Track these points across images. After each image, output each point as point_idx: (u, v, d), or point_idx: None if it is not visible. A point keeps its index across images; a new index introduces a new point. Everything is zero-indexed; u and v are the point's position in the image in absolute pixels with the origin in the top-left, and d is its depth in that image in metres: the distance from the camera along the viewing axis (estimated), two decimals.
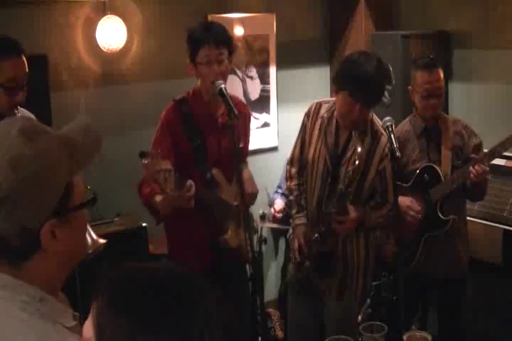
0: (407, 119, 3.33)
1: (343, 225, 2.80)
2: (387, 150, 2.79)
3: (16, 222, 1.11)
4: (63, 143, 1.18)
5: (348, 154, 2.82)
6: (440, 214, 3.12)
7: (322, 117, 2.90)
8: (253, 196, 2.94)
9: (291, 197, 3.07)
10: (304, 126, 2.99)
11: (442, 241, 3.16)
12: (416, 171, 3.16)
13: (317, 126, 2.92)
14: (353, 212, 2.79)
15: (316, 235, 2.87)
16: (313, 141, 2.93)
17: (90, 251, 2.35)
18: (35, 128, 1.18)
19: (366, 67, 2.64)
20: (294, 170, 3.05)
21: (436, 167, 3.13)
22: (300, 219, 2.97)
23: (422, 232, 3.17)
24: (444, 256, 3.20)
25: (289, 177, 3.08)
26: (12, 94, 2.42)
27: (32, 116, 2.65)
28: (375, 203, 2.91)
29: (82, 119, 1.27)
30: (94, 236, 2.41)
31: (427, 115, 3.19)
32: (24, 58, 2.45)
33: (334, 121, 2.87)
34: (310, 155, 2.93)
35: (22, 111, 2.56)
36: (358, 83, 2.63)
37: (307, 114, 2.98)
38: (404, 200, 3.14)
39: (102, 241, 2.43)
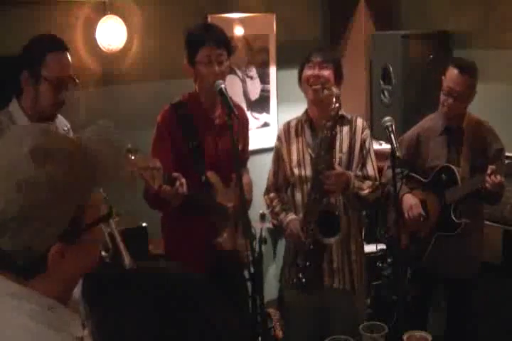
0: (432, 116, 3.31)
1: (331, 179, 2.83)
2: (365, 131, 3.02)
3: (20, 244, 1.08)
4: (80, 161, 1.13)
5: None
6: (453, 217, 3.11)
7: (295, 125, 3.06)
8: (248, 203, 2.94)
9: (276, 209, 3.09)
10: (276, 151, 3.11)
11: (454, 241, 3.16)
12: (434, 168, 3.18)
13: (293, 137, 3.05)
14: (338, 168, 2.88)
15: (312, 195, 2.92)
16: (294, 152, 3.03)
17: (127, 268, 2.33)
18: (49, 147, 1.11)
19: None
20: (271, 195, 3.13)
21: (454, 168, 3.11)
22: (291, 215, 3.02)
23: (434, 231, 3.18)
24: (455, 256, 3.19)
25: (269, 202, 3.13)
26: (58, 91, 2.43)
27: (67, 124, 2.65)
28: (358, 179, 3.00)
29: (104, 127, 1.24)
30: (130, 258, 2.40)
31: (443, 111, 3.17)
32: (69, 56, 2.48)
33: (307, 122, 3.04)
34: (294, 163, 3.01)
35: (60, 119, 2.57)
36: (307, 54, 3.00)
37: (278, 137, 3.11)
38: (409, 200, 3.17)
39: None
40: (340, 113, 2.94)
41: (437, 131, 3.21)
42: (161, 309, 0.93)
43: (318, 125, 2.97)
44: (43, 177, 1.07)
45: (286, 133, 3.08)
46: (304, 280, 2.96)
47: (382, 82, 4.35)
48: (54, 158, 1.10)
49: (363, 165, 3.02)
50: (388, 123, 2.75)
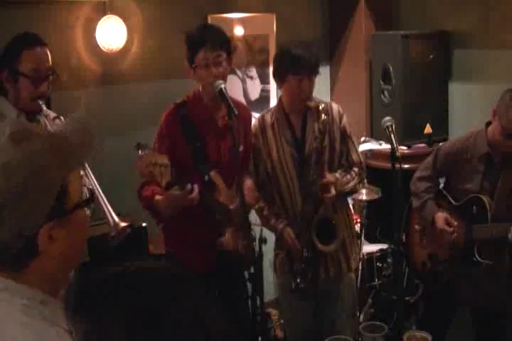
0: (471, 134, 3.06)
1: (327, 192, 2.88)
2: (343, 118, 3.04)
3: (10, 229, 1.10)
4: (54, 144, 1.17)
5: (308, 134, 2.98)
6: (476, 255, 2.97)
7: (271, 122, 3.04)
8: (249, 208, 2.94)
9: (265, 213, 3.08)
10: (254, 148, 3.07)
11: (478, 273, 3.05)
12: (464, 191, 3.03)
13: (270, 134, 3.04)
14: (329, 176, 2.91)
15: (305, 206, 2.95)
16: (274, 147, 3.03)
17: (113, 234, 2.42)
18: (25, 131, 1.17)
19: (291, 48, 2.93)
20: (256, 194, 3.07)
21: (486, 202, 2.94)
22: (282, 223, 3.03)
23: (453, 258, 3.10)
24: (479, 288, 3.08)
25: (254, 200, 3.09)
26: (36, 84, 2.49)
27: (61, 117, 2.70)
28: (343, 168, 3.06)
29: (76, 117, 1.26)
30: (116, 219, 2.45)
31: (496, 147, 2.95)
32: (47, 51, 2.57)
33: (283, 118, 3.03)
34: (275, 161, 3.02)
35: (48, 112, 2.64)
36: (292, 58, 2.88)
37: (255, 134, 3.07)
38: (441, 216, 3.07)
39: (123, 224, 2.46)
40: (314, 104, 2.98)
41: (476, 155, 3.00)
42: (148, 311, 0.92)
43: (294, 119, 3.01)
44: (21, 155, 1.12)
45: (263, 130, 3.06)
46: (302, 285, 2.97)
47: (382, 82, 4.35)
48: (30, 138, 1.15)
49: (348, 153, 3.07)
50: (388, 123, 2.75)
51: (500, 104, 2.92)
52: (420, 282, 3.76)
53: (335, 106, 3.07)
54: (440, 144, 3.36)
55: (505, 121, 2.85)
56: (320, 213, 2.94)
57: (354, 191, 3.20)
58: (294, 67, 2.89)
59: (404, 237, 3.28)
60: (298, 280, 2.96)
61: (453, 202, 3.12)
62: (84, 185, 2.44)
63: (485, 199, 2.96)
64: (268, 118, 3.07)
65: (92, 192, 2.34)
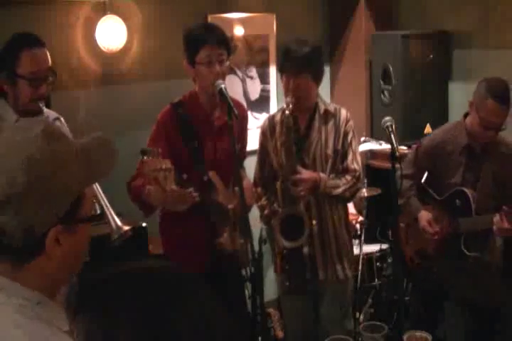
0: (451, 127, 3.10)
1: (299, 187, 2.87)
2: (349, 123, 3.00)
3: (22, 222, 1.11)
4: (81, 153, 1.19)
5: (312, 136, 2.98)
6: (463, 248, 2.99)
7: (281, 122, 3.00)
8: (249, 207, 2.95)
9: (266, 212, 3.09)
10: (261, 146, 3.11)
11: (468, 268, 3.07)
12: (449, 186, 3.05)
13: (279, 130, 3.01)
14: (304, 172, 2.90)
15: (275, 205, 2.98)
16: (282, 149, 3.00)
17: (116, 237, 2.43)
18: (58, 132, 1.18)
19: (286, 45, 2.97)
20: (259, 189, 3.13)
21: (469, 195, 2.96)
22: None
23: (441, 252, 3.12)
24: (471, 282, 3.10)
25: (257, 197, 3.12)
26: (35, 86, 2.45)
27: (61, 118, 2.68)
28: (336, 173, 3.02)
29: (101, 135, 1.28)
30: (119, 223, 2.45)
31: (475, 138, 3.00)
32: (46, 51, 2.52)
33: (290, 117, 2.97)
34: (282, 157, 3.00)
35: (49, 113, 2.60)
36: (282, 55, 2.97)
37: (262, 132, 3.10)
38: (424, 216, 3.10)
39: (126, 227, 2.46)
40: (324, 108, 2.99)
41: (456, 148, 3.03)
42: (151, 311, 0.92)
43: (300, 119, 3.00)
44: (48, 153, 1.13)
45: (272, 128, 3.06)
46: (293, 285, 2.98)
47: (382, 82, 4.35)
48: (60, 139, 1.17)
49: (344, 159, 3.03)
50: (388, 123, 2.74)
51: (477, 95, 2.93)
52: (411, 281, 3.76)
53: (343, 112, 3.03)
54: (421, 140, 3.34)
55: (482, 112, 2.88)
56: (286, 209, 2.93)
57: (344, 198, 3.05)
58: (282, 64, 2.94)
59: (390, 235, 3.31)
60: (289, 281, 2.98)
61: (436, 197, 3.13)
62: (95, 202, 2.43)
63: (468, 191, 2.99)
64: (278, 115, 3.07)
65: (101, 208, 2.35)
